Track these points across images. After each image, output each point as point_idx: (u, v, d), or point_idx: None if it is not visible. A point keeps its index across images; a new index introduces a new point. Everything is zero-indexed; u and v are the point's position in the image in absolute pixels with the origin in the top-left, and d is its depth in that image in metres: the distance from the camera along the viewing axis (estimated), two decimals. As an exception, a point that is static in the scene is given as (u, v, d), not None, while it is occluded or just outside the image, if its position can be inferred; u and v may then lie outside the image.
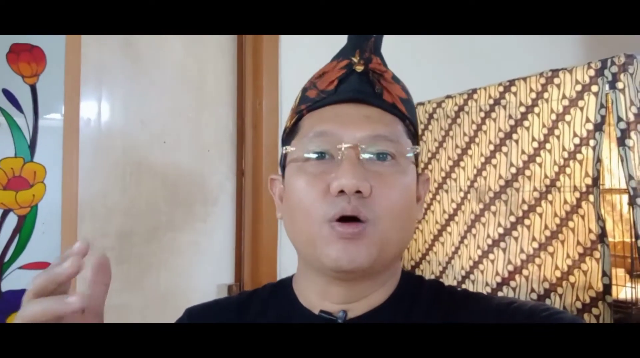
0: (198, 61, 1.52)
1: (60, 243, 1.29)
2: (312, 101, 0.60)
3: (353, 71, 0.59)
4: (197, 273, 1.49)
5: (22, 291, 1.29)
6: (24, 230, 1.26)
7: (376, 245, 0.55)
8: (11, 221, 1.25)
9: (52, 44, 1.30)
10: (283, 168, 0.62)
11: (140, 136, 1.42)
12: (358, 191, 0.54)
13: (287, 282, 0.66)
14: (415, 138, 0.62)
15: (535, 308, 0.55)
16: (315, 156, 0.57)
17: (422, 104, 1.35)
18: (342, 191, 0.54)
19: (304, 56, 1.49)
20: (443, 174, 1.27)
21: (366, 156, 0.56)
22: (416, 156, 0.62)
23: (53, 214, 1.29)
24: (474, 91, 1.20)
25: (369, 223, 0.55)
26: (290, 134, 0.62)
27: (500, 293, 1.08)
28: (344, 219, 0.54)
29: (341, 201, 0.54)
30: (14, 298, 1.24)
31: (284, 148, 0.62)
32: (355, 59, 0.60)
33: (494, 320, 0.55)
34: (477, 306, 0.58)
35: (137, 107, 1.42)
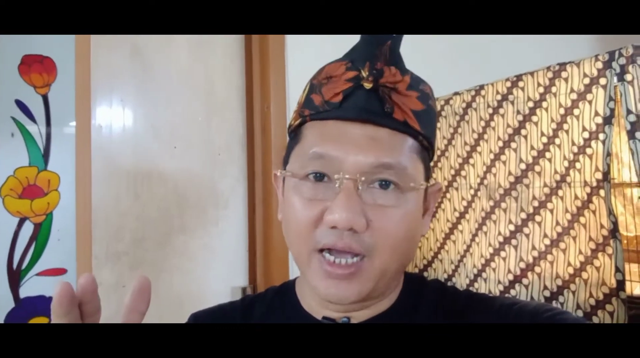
0: (206, 66, 1.53)
1: (75, 249, 1.31)
2: (315, 109, 0.57)
3: (360, 85, 0.55)
4: (211, 276, 1.50)
5: (40, 298, 1.32)
6: (40, 237, 1.28)
7: (370, 280, 0.53)
8: (27, 229, 1.27)
9: (62, 54, 1.33)
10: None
11: (151, 142, 1.44)
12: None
13: (290, 286, 0.66)
14: (428, 151, 0.59)
15: (539, 308, 0.55)
16: (313, 177, 0.55)
17: (430, 101, 1.34)
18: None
19: (310, 58, 1.50)
20: (452, 172, 1.26)
21: (366, 186, 0.53)
22: (427, 168, 0.59)
23: (68, 221, 1.31)
24: (482, 87, 1.19)
25: (363, 258, 0.53)
26: (294, 136, 0.61)
27: (512, 291, 1.06)
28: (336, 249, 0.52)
29: (333, 235, 0.52)
30: (32, 305, 1.27)
31: (281, 171, 0.60)
32: (364, 74, 0.55)
33: (497, 322, 0.55)
34: (480, 308, 0.58)
35: (146, 114, 1.44)
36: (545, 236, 1.01)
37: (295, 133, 0.61)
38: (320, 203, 0.54)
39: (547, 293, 1.00)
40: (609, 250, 0.89)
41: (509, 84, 1.11)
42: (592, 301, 0.91)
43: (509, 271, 1.08)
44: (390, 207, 0.53)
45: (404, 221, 0.54)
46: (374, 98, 0.54)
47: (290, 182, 0.57)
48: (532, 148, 1.05)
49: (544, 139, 1.03)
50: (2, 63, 1.26)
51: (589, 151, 0.94)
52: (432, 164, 1.32)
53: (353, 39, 0.61)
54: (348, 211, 0.51)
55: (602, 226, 0.90)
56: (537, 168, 1.04)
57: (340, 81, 0.56)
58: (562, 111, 0.99)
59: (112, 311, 0.47)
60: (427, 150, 0.59)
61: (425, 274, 1.34)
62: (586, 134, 0.94)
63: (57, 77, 1.32)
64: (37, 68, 1.29)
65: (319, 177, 0.55)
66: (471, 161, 1.21)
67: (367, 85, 0.54)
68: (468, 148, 1.22)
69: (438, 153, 1.32)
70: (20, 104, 1.28)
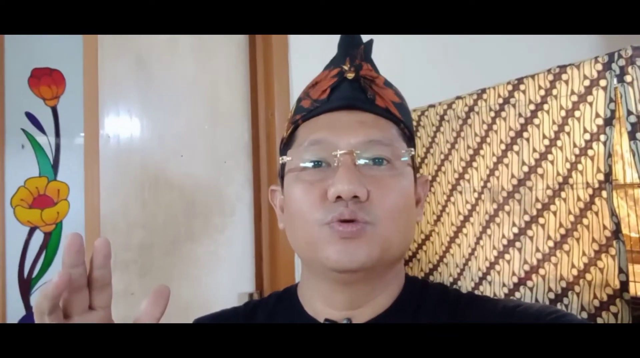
0: (210, 74, 1.55)
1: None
2: (306, 110, 0.61)
3: (344, 78, 0.60)
4: (218, 283, 1.51)
5: (50, 306, 1.33)
6: (50, 246, 1.30)
7: (377, 245, 0.55)
8: (37, 238, 1.30)
9: (70, 67, 1.35)
10: (282, 178, 0.63)
11: (158, 150, 1.46)
12: (355, 197, 0.54)
13: (293, 290, 0.67)
14: (410, 141, 0.63)
15: (542, 311, 0.55)
16: (311, 164, 0.58)
17: (433, 106, 1.35)
18: (339, 197, 0.54)
19: (314, 65, 1.51)
20: (456, 175, 1.27)
21: (362, 161, 0.57)
22: (413, 158, 0.62)
23: (77, 230, 1.32)
24: (483, 90, 1.19)
25: (368, 224, 0.55)
26: (287, 144, 0.64)
27: (517, 294, 1.06)
28: (343, 221, 0.55)
29: (339, 207, 0.55)
30: (43, 313, 1.29)
31: (281, 158, 0.63)
32: (345, 67, 0.61)
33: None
34: (483, 310, 0.58)
35: (153, 123, 1.46)
36: (549, 238, 1.01)
37: (289, 140, 0.64)
38: (322, 183, 0.57)
39: (551, 295, 1.00)
40: (612, 251, 0.89)
41: (510, 87, 1.12)
42: (597, 303, 0.91)
43: (514, 273, 1.08)
44: (387, 177, 0.57)
45: (401, 193, 0.58)
46: (357, 88, 0.60)
47: (291, 177, 0.60)
48: (535, 150, 1.06)
49: (546, 142, 1.03)
50: (13, 77, 1.29)
51: (590, 152, 0.94)
52: (435, 167, 1.33)
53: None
54: (350, 180, 0.54)
55: (604, 228, 0.90)
56: (539, 171, 1.04)
57: (326, 80, 0.61)
58: (563, 113, 1.00)
59: (121, 318, 0.48)
60: (409, 140, 0.62)
61: (431, 278, 1.34)
62: (587, 136, 0.95)
63: (66, 89, 1.35)
64: (46, 81, 1.32)
65: (318, 164, 0.58)
66: (474, 164, 1.22)
67: (350, 75, 0.60)
68: (471, 152, 1.22)
69: (442, 156, 1.32)
70: (30, 117, 1.31)
